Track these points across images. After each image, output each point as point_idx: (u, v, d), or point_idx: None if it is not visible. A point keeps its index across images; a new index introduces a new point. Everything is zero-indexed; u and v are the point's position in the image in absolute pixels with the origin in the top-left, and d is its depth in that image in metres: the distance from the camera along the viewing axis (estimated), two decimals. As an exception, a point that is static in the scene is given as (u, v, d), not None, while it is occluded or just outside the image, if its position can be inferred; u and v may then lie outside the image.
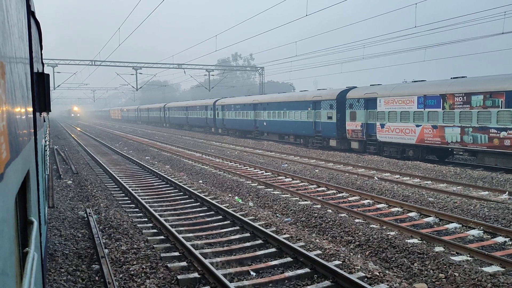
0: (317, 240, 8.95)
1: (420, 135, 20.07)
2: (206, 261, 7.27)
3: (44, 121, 7.02)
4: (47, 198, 8.93)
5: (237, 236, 9.28)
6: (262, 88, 54.41)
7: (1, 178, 1.17)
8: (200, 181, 16.84)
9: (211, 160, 22.75)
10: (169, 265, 7.48)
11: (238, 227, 9.88)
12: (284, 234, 9.27)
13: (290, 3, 30.08)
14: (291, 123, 30.58)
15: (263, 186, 15.07)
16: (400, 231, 9.54)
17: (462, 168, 18.42)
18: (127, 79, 70.40)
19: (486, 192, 13.63)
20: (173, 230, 9.19)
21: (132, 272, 7.16)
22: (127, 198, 13.60)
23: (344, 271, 6.94)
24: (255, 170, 19.07)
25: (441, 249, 8.38)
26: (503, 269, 7.29)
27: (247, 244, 8.74)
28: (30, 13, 3.01)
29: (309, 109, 28.29)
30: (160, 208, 12.07)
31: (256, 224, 9.55)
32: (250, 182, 15.98)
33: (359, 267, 7.27)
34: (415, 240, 8.87)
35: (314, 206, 11.95)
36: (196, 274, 7.06)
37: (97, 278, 7.07)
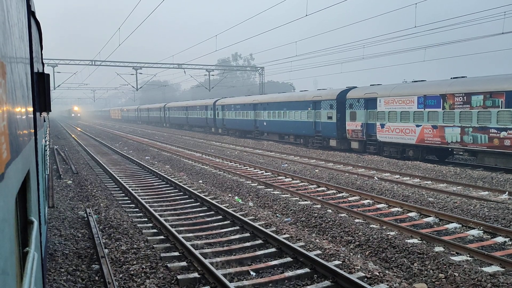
0: (317, 240, 8.95)
1: (420, 135, 20.07)
2: (206, 261, 7.28)
3: (44, 121, 7.02)
4: (47, 198, 8.92)
5: (237, 236, 9.28)
6: (262, 88, 54.39)
7: (2, 178, 1.17)
8: (200, 181, 16.85)
9: (211, 160, 22.75)
10: (169, 265, 7.48)
11: (238, 227, 9.89)
12: (284, 234, 9.28)
13: (290, 3, 30.08)
14: (291, 123, 30.57)
15: (263, 186, 15.08)
16: (400, 231, 9.54)
17: (462, 168, 18.42)
18: (127, 79, 70.27)
19: (486, 192, 13.63)
20: (173, 230, 9.19)
21: (132, 272, 7.16)
22: (127, 198, 13.61)
23: (344, 271, 6.94)
24: (255, 170, 19.07)
25: (441, 249, 8.38)
26: (503, 269, 7.29)
27: (247, 244, 8.75)
28: (31, 13, 3.02)
29: (309, 109, 28.29)
30: (160, 208, 12.07)
31: (256, 224, 9.55)
32: (250, 182, 15.99)
33: (359, 267, 7.27)
34: (415, 240, 8.87)
35: (314, 206, 11.95)
36: (196, 274, 7.07)
37: (97, 278, 7.08)
